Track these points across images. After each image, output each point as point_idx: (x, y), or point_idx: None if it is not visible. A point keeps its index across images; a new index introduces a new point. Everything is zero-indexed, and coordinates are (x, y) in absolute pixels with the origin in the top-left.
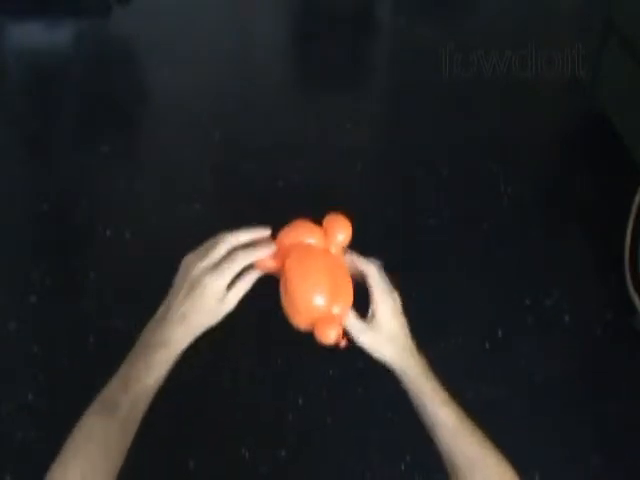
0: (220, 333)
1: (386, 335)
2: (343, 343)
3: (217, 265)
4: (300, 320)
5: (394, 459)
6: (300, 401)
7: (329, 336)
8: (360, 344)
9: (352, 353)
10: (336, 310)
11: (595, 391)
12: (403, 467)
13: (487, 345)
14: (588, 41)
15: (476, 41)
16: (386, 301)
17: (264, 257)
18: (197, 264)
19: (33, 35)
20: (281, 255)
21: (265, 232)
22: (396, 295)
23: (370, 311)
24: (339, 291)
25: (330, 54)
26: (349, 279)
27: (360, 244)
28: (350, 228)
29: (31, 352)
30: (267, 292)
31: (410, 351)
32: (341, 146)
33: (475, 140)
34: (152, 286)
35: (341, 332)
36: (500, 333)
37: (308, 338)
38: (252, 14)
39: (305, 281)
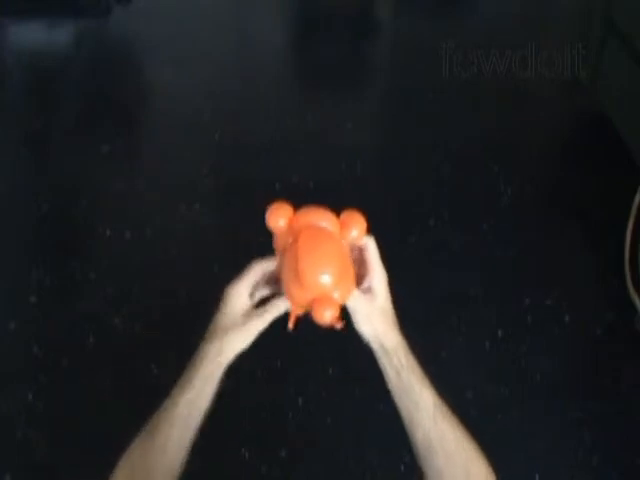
0: None
1: (380, 307)
2: (339, 325)
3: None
4: (301, 295)
5: (394, 459)
6: (300, 401)
7: (325, 316)
8: (353, 311)
9: (352, 353)
10: (336, 295)
11: (595, 391)
12: (402, 468)
13: (487, 345)
14: (588, 41)
15: (476, 41)
16: (383, 274)
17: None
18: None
19: (33, 35)
20: (294, 232)
21: None
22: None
23: (366, 282)
24: (343, 279)
25: (330, 54)
26: (353, 274)
27: None
28: (365, 226)
29: (31, 352)
30: None
31: (397, 329)
32: (341, 146)
33: (475, 140)
34: (152, 286)
35: (337, 315)
36: (500, 333)
37: (308, 338)
38: (252, 14)
39: (317, 258)
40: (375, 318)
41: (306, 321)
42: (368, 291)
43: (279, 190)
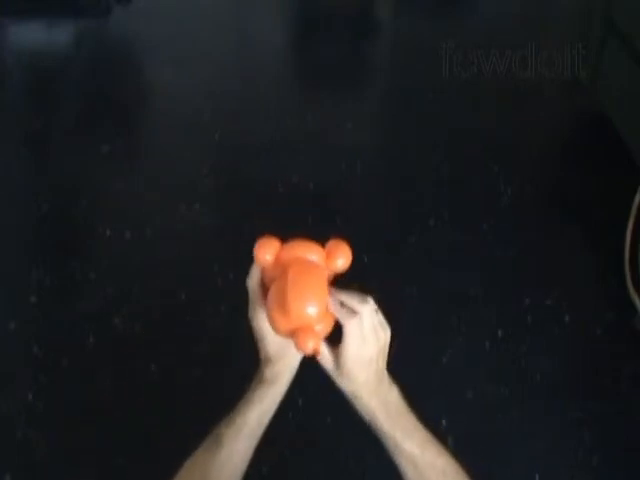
0: (220, 333)
1: (356, 381)
2: (319, 355)
3: None
4: (285, 325)
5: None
6: (300, 401)
7: (308, 346)
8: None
9: None
10: (319, 327)
11: (595, 391)
12: None
13: (487, 345)
14: (588, 41)
15: (476, 41)
16: (380, 342)
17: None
18: None
19: (33, 35)
20: (281, 264)
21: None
22: (383, 335)
23: (339, 350)
24: (326, 312)
25: (330, 54)
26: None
27: (360, 244)
28: (350, 256)
29: (31, 352)
30: None
31: (382, 391)
32: (341, 146)
33: (475, 140)
34: (152, 286)
35: (318, 346)
36: (500, 333)
37: None
38: (252, 14)
39: (305, 290)
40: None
41: None
42: (341, 364)
43: (279, 190)
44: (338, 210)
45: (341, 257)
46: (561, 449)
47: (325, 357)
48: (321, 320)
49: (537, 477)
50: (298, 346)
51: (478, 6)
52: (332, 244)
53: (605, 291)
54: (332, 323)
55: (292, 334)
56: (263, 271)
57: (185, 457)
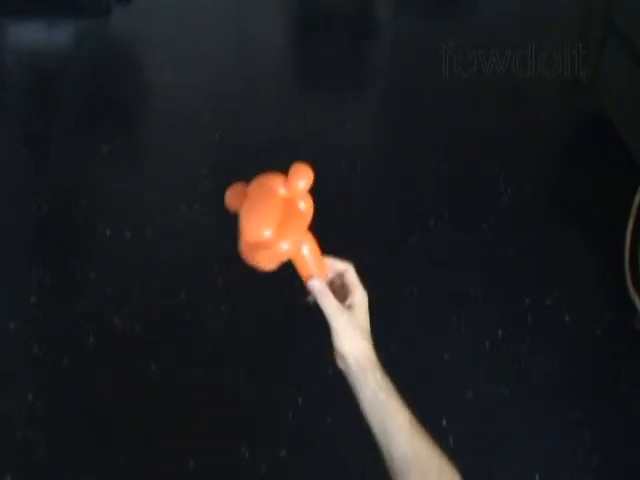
0: (220, 333)
1: (360, 324)
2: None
3: None
4: (252, 253)
5: None
6: (300, 401)
7: (260, 260)
8: (333, 328)
9: None
10: (284, 245)
11: (595, 391)
12: None
13: (487, 345)
14: (588, 41)
15: (476, 41)
16: (363, 294)
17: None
18: None
19: (33, 35)
20: (243, 196)
21: None
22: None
23: (347, 301)
24: (287, 230)
25: (330, 54)
26: (303, 225)
27: (360, 243)
28: (312, 176)
29: (31, 352)
30: (266, 295)
31: (373, 350)
32: (341, 146)
33: (475, 140)
34: (152, 286)
35: (279, 262)
36: (500, 333)
37: (308, 339)
38: (252, 14)
39: (254, 212)
40: (355, 334)
41: (306, 321)
42: (349, 309)
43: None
44: (338, 210)
45: (302, 178)
46: (561, 449)
47: (329, 298)
48: (282, 238)
49: (537, 477)
50: (258, 264)
51: (478, 6)
52: (293, 167)
53: (605, 291)
54: (300, 240)
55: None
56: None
57: (185, 457)
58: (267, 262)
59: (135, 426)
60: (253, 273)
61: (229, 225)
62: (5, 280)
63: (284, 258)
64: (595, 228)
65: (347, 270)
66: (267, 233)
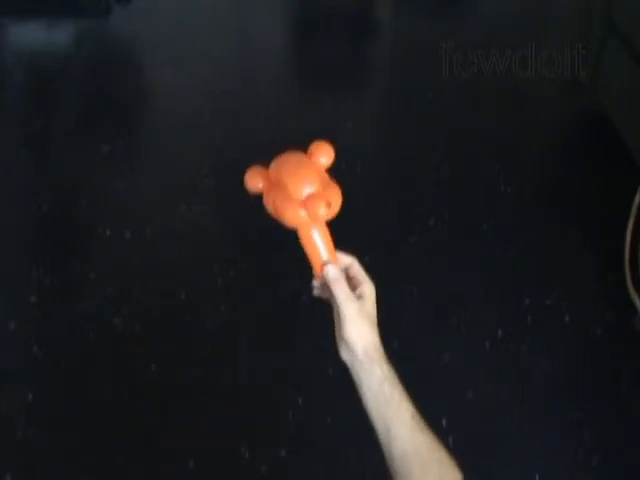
0: (220, 333)
1: (368, 313)
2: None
3: None
4: (296, 212)
5: None
6: (300, 401)
7: (320, 210)
8: (342, 316)
9: None
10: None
11: (595, 391)
12: None
13: (487, 345)
14: (588, 41)
15: (476, 41)
16: (371, 285)
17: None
18: None
19: (33, 35)
20: (274, 179)
21: None
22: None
23: (356, 292)
24: (328, 188)
25: (330, 54)
26: (336, 186)
27: (360, 243)
28: (333, 153)
29: (31, 352)
30: (266, 295)
31: (380, 342)
32: (341, 146)
33: (475, 140)
34: (152, 286)
35: (329, 213)
36: (500, 333)
37: (308, 339)
38: (252, 14)
39: (298, 172)
40: (365, 323)
41: (306, 321)
42: (359, 299)
43: None
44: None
45: (323, 155)
46: (561, 449)
47: (343, 285)
48: (326, 194)
49: (537, 477)
50: (311, 212)
51: (478, 6)
52: (314, 145)
53: (605, 291)
54: (339, 200)
55: (303, 209)
56: (264, 197)
57: (185, 457)
58: (318, 207)
59: (135, 426)
60: (253, 273)
61: (229, 225)
62: (5, 280)
63: (328, 216)
64: (595, 228)
65: (352, 264)
66: (312, 188)
